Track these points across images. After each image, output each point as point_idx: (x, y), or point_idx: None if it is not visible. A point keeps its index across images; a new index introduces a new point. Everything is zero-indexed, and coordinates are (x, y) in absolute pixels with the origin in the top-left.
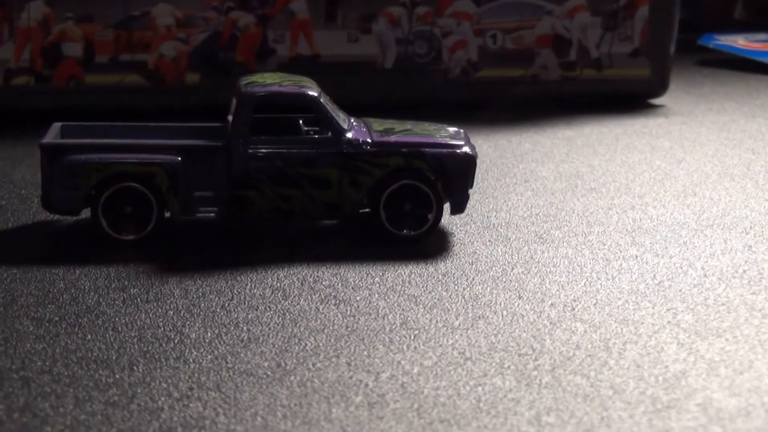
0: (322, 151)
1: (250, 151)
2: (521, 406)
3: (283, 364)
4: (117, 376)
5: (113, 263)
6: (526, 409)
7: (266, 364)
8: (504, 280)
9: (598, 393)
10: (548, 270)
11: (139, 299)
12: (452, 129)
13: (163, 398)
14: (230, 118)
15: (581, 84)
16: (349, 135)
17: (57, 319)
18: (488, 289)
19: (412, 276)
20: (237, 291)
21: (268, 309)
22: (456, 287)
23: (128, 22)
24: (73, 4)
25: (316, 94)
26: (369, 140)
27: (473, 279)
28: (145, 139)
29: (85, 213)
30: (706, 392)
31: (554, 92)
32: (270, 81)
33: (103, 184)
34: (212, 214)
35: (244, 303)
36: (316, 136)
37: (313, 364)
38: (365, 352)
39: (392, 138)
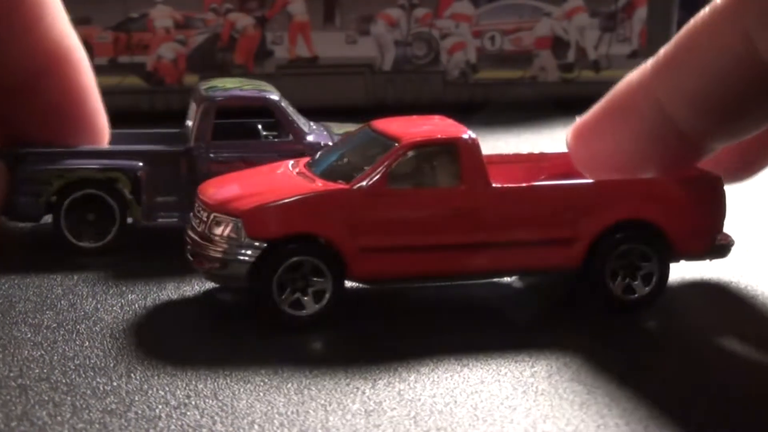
0: (284, 155)
1: (212, 155)
2: (518, 414)
3: (280, 371)
4: (115, 384)
5: (111, 269)
6: (523, 417)
7: (263, 371)
8: (501, 284)
9: (595, 401)
10: (546, 274)
11: (136, 305)
12: None
13: (160, 406)
14: (190, 123)
15: (579, 85)
16: (310, 138)
17: (55, 325)
18: (485, 294)
19: None
20: (233, 296)
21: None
22: (452, 293)
23: (127, 24)
24: (72, 6)
25: (277, 98)
26: (330, 143)
27: (470, 284)
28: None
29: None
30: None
31: (553, 94)
32: (230, 86)
33: (64, 191)
34: (175, 219)
35: (241, 309)
36: (278, 140)
37: (310, 371)
38: (362, 359)
39: None
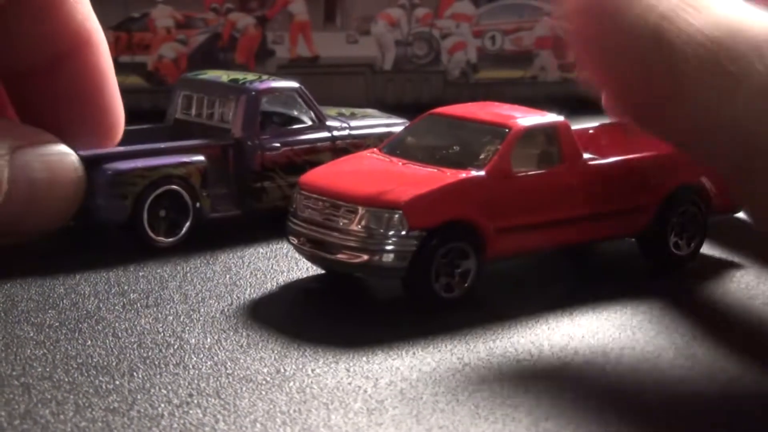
0: (319, 137)
1: (264, 144)
2: (519, 413)
3: (282, 370)
4: (117, 383)
5: (113, 268)
6: (525, 415)
7: (265, 370)
8: (503, 284)
9: (596, 399)
10: (548, 273)
11: (138, 304)
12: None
13: (163, 405)
14: (214, 112)
15: (580, 85)
16: (330, 122)
17: (57, 324)
18: (488, 293)
19: None
20: (236, 296)
21: (267, 314)
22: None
23: (128, 24)
24: None
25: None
26: (347, 125)
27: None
28: (168, 142)
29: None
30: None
31: (553, 93)
32: (251, 78)
33: (147, 190)
34: (234, 211)
35: (244, 308)
36: (311, 124)
37: (312, 370)
38: (364, 358)
39: (364, 122)
